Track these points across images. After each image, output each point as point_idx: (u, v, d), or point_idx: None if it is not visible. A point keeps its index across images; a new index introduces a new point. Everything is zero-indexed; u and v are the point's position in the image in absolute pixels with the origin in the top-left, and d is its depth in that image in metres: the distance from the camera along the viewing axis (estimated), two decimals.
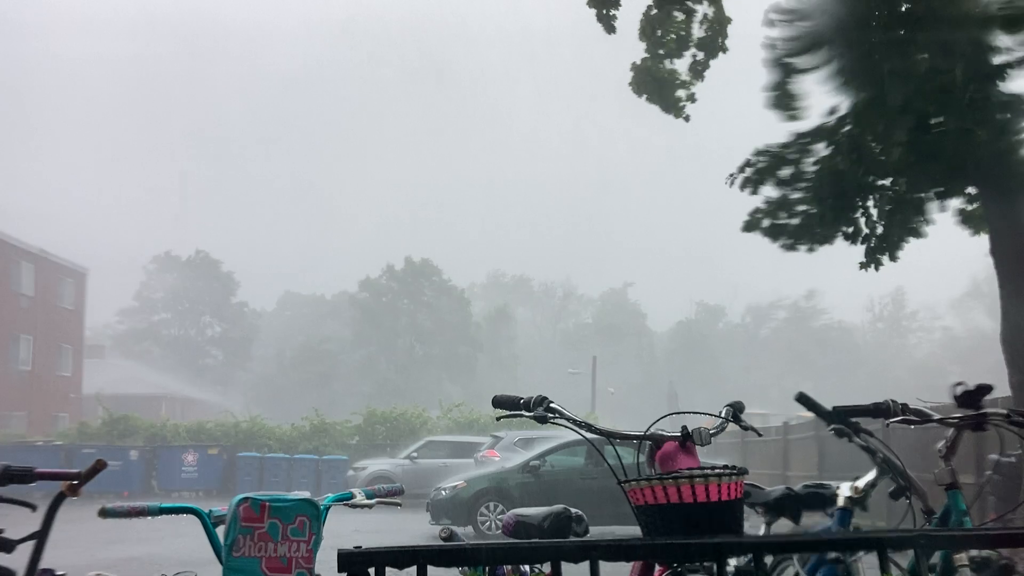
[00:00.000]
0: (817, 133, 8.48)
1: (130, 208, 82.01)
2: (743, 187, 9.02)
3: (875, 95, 7.66)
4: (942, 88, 7.35)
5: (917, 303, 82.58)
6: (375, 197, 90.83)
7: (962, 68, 7.16)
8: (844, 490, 3.10)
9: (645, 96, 11.28)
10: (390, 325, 68.19)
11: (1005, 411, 2.85)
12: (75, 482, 2.47)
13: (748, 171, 8.95)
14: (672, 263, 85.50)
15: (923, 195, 8.48)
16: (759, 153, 8.88)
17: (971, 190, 8.66)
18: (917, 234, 8.76)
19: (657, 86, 11.18)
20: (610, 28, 11.07)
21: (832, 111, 8.27)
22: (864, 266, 9.07)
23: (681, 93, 11.28)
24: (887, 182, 8.60)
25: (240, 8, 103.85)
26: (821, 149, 8.55)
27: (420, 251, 71.85)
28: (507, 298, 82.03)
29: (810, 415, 3.20)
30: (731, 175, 9.12)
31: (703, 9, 11.05)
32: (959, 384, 2.88)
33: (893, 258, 8.91)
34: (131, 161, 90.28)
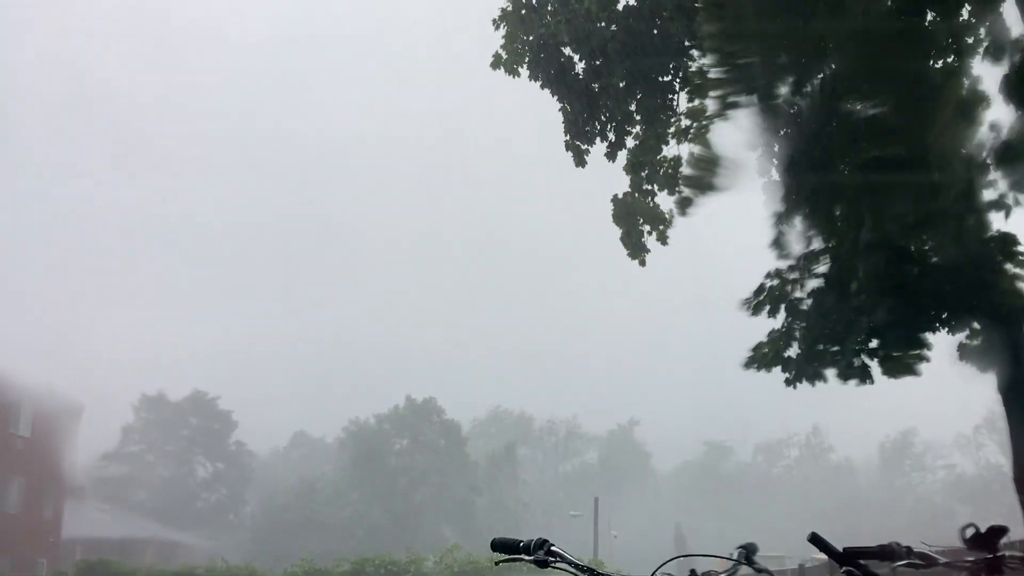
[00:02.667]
0: (802, 265, 8.52)
1: (127, 345, 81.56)
2: (756, 312, 8.87)
3: (852, 232, 7.73)
4: (925, 222, 7.43)
5: (925, 440, 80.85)
6: (376, 335, 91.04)
7: (944, 204, 7.25)
8: None
9: (622, 230, 11.39)
10: (386, 467, 66.65)
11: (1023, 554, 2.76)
12: None
13: (763, 296, 8.84)
14: (678, 400, 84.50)
15: (913, 330, 8.28)
16: (770, 276, 8.81)
17: (974, 324, 8.50)
18: (911, 371, 8.47)
19: (633, 221, 11.30)
20: (581, 162, 11.38)
21: (816, 248, 8.32)
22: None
23: (653, 231, 11.36)
24: (872, 316, 8.47)
25: (241, 149, 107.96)
26: (810, 281, 8.57)
27: (421, 387, 71.18)
28: (508, 436, 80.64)
29: (824, 556, 3.09)
30: (746, 300, 9.02)
31: (690, 148, 11.14)
32: (969, 526, 2.79)
33: (863, 380, 8.58)
34: (130, 299, 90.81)
